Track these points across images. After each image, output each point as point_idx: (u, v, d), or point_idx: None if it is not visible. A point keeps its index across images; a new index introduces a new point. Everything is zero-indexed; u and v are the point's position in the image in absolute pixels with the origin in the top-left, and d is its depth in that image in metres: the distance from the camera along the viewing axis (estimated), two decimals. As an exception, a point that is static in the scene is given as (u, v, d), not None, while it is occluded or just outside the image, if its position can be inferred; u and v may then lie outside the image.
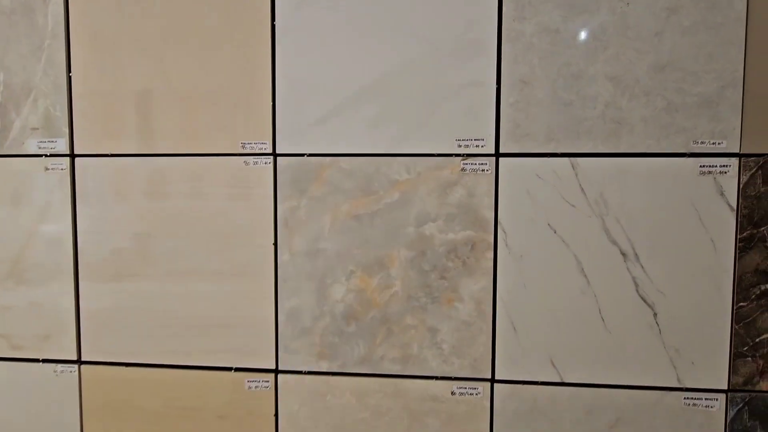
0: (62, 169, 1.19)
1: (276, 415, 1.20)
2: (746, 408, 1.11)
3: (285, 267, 1.18)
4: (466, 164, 1.12)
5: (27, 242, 1.23)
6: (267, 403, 1.20)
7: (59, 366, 1.23)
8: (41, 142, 1.19)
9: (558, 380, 1.14)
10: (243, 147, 1.16)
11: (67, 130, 1.20)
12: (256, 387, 1.20)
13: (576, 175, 1.10)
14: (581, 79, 1.09)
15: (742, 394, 1.11)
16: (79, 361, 1.24)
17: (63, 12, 1.18)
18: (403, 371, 1.17)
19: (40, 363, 1.24)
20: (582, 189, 1.10)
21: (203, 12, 1.15)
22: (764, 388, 1.10)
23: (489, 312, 1.14)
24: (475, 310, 1.14)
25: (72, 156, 1.21)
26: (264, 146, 1.16)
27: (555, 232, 1.12)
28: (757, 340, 1.10)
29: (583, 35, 1.08)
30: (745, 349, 1.10)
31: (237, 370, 1.20)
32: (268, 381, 1.19)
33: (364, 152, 1.14)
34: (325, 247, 1.16)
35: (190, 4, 1.16)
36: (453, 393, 1.16)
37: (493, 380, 1.15)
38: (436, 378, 1.16)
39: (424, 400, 1.16)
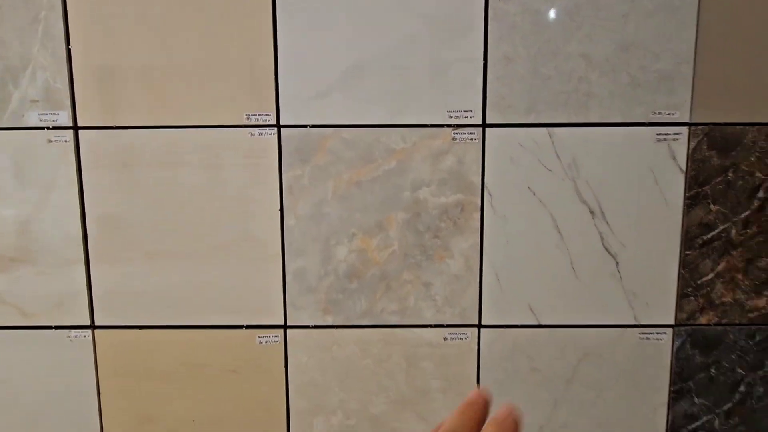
0: (66, 142, 1.20)
1: (286, 366, 1.30)
2: (689, 339, 1.30)
3: (291, 231, 1.26)
4: (457, 134, 1.23)
5: (33, 213, 1.23)
6: (277, 356, 1.29)
7: (73, 331, 1.26)
8: (42, 114, 1.18)
9: (535, 323, 1.29)
10: (248, 119, 1.21)
11: (68, 103, 1.19)
12: (266, 342, 1.28)
13: (552, 143, 1.23)
14: (558, 56, 1.20)
15: (686, 328, 1.29)
16: (92, 326, 1.28)
17: (58, -18, 1.16)
18: (401, 321, 1.29)
19: (53, 330, 1.26)
20: (557, 155, 1.23)
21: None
22: (704, 322, 1.30)
23: (476, 266, 1.27)
24: (465, 266, 1.27)
25: (75, 128, 1.21)
26: (268, 118, 1.22)
27: (534, 194, 1.25)
28: (699, 282, 1.29)
29: (560, 15, 1.20)
30: (689, 290, 1.29)
31: (248, 327, 1.28)
32: (277, 336, 1.28)
33: (364, 123, 1.22)
34: (328, 211, 1.25)
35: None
36: (445, 339, 1.30)
37: (479, 326, 1.29)
38: (431, 326, 1.29)
39: (420, 346, 1.30)
